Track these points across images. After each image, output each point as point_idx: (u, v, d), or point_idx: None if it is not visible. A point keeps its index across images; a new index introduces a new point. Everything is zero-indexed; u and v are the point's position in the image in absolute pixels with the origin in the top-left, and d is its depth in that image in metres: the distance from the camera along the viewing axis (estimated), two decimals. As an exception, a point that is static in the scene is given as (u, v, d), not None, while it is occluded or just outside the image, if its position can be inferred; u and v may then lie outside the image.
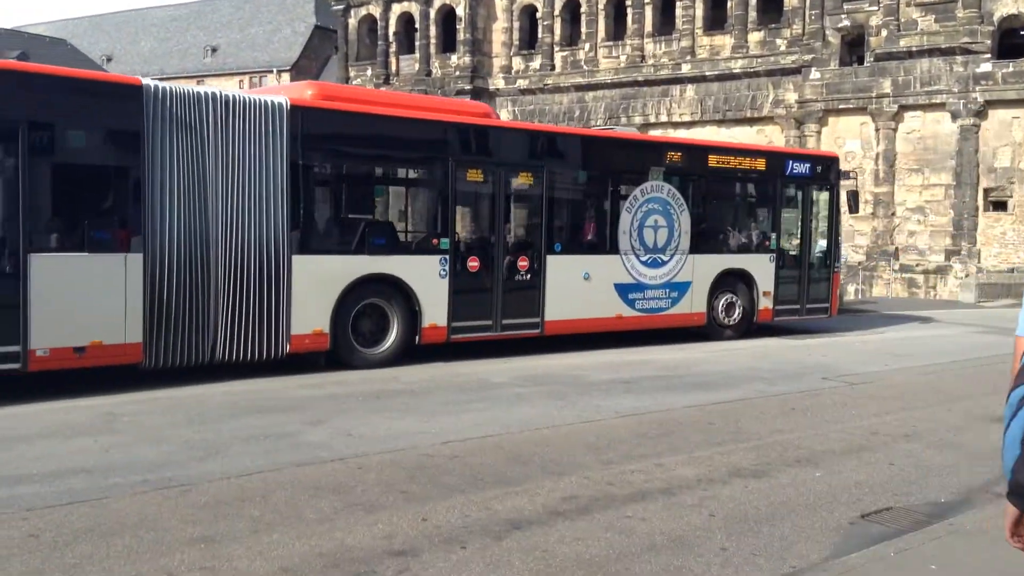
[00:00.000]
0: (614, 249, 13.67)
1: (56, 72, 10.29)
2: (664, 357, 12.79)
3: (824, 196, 16.51)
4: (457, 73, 37.74)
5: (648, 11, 34.68)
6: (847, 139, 30.40)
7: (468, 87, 36.57)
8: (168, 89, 9.62)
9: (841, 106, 30.42)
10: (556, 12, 36.56)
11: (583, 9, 35.90)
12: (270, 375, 10.31)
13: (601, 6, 35.58)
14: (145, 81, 9.66)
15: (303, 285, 10.53)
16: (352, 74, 40.93)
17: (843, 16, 30.19)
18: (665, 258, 14.20)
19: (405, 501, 5.75)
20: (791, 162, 16.12)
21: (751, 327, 15.48)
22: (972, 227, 28.62)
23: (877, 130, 29.79)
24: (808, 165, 16.32)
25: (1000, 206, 28.51)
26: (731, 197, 16.19)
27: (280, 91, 11.72)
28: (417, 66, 38.82)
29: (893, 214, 29.73)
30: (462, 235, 12.56)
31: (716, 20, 33.93)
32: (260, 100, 10.28)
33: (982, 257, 28.46)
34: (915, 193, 29.51)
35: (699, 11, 33.70)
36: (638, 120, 34.23)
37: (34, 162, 8.76)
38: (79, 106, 9.29)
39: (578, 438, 7.66)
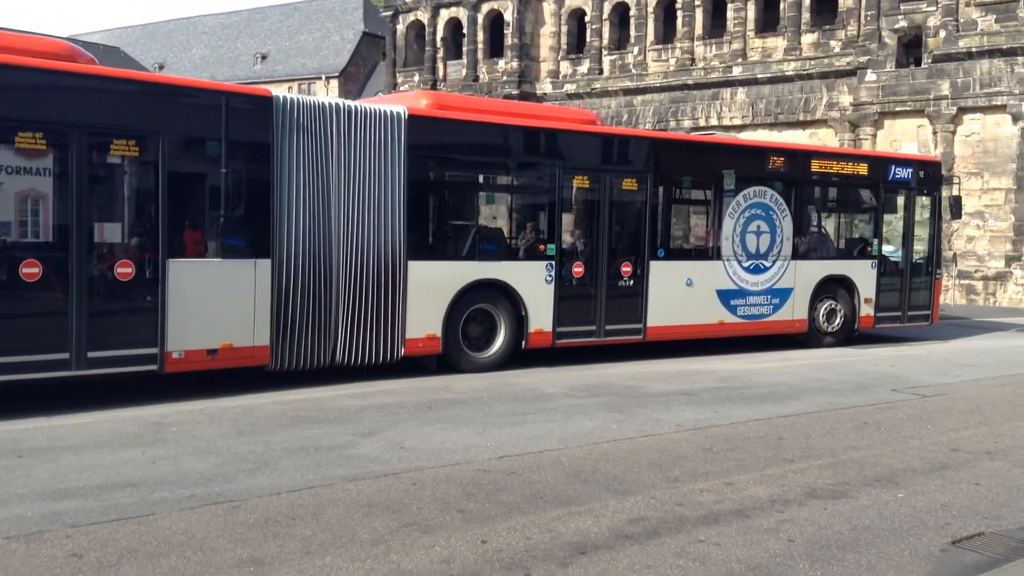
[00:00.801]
0: (716, 255, 13.72)
1: (192, 84, 11.15)
2: (723, 367, 12.37)
3: (925, 201, 16.33)
4: (504, 78, 37.53)
5: (698, 13, 34.14)
6: (903, 142, 29.56)
7: (515, 92, 36.32)
8: (296, 100, 10.02)
9: (897, 108, 29.60)
10: (605, 16, 36.17)
11: (632, 12, 35.47)
12: (319, 384, 10.10)
13: (650, 9, 35.12)
14: (275, 92, 10.08)
15: (417, 290, 10.84)
16: (400, 80, 40.93)
17: (900, 17, 29.40)
18: (767, 264, 14.15)
19: (463, 521, 5.45)
20: (893, 167, 15.94)
21: (852, 334, 15.31)
22: (1034, 233, 27.66)
23: (935, 133, 28.93)
24: (910, 170, 16.07)
25: (1065, 211, 27.50)
26: (832, 202, 16.08)
27: (394, 100, 12.00)
28: (464, 71, 38.70)
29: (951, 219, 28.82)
30: (568, 241, 12.60)
31: (768, 22, 33.28)
32: (380, 110, 10.63)
33: (1047, 263, 27.49)
34: (974, 197, 28.58)
35: (751, 13, 33.07)
36: (687, 124, 33.70)
37: (172, 172, 9.14)
38: (214, 117, 9.57)
39: (641, 454, 7.30)
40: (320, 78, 56.87)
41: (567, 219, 12.61)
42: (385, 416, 8.61)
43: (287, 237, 9.84)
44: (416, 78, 40.22)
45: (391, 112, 10.68)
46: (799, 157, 15.08)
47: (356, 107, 10.55)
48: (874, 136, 30.07)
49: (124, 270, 8.94)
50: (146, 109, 9.18)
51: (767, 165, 14.38)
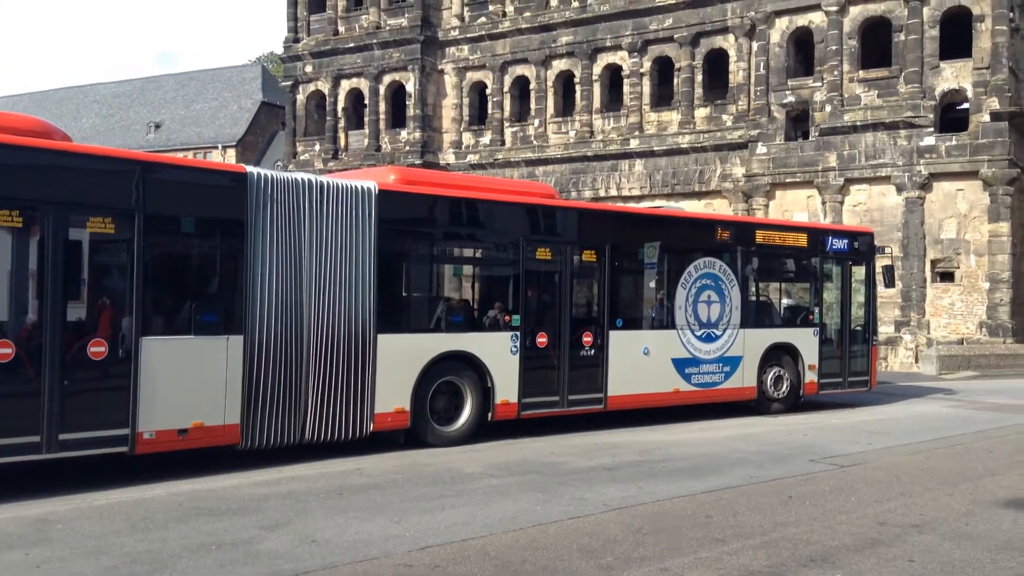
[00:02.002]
0: (671, 324, 13.98)
1: (169, 161, 11.31)
2: (642, 438, 12.20)
3: (860, 271, 17.01)
4: (407, 148, 37.51)
5: (596, 88, 34.98)
6: (795, 212, 30.59)
7: (418, 161, 36.30)
8: (270, 176, 10.03)
9: (788, 180, 30.69)
10: (506, 89, 36.68)
11: (532, 86, 36.09)
12: (218, 472, 9.46)
13: (550, 83, 35.81)
14: (249, 168, 9.94)
15: (387, 363, 10.82)
16: (300, 149, 40.45)
17: (788, 92, 30.70)
18: (718, 332, 14.49)
19: (388, 627, 5.00)
20: (830, 238, 16.63)
21: (798, 400, 15.66)
22: (920, 298, 28.80)
23: (824, 203, 30.06)
24: (846, 240, 16.84)
25: (947, 277, 28.78)
26: (776, 272, 16.62)
27: (363, 175, 11.97)
28: (367, 141, 38.54)
29: (844, 286, 29.79)
30: (531, 312, 12.57)
31: (663, 97, 34.32)
32: (351, 185, 10.73)
33: (931, 328, 28.60)
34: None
35: (646, 88, 34.07)
36: (588, 194, 34.21)
37: (147, 248, 9.09)
38: (189, 193, 9.66)
39: (569, 538, 6.96)
40: (217, 147, 55.86)
41: (531, 290, 12.67)
42: (292, 505, 8.06)
43: (259, 313, 9.77)
44: (317, 147, 39.84)
45: (362, 187, 10.77)
46: (745, 229, 15.80)
47: (328, 183, 10.56)
48: (766, 206, 31.03)
49: (97, 349, 8.77)
50: (122, 186, 9.09)
51: (716, 236, 14.92)
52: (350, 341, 10.46)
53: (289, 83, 40.68)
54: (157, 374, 9.04)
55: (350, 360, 10.47)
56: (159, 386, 9.05)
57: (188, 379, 9.35)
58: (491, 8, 36.81)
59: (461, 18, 37.61)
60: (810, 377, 15.72)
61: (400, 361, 10.98)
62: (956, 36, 28.12)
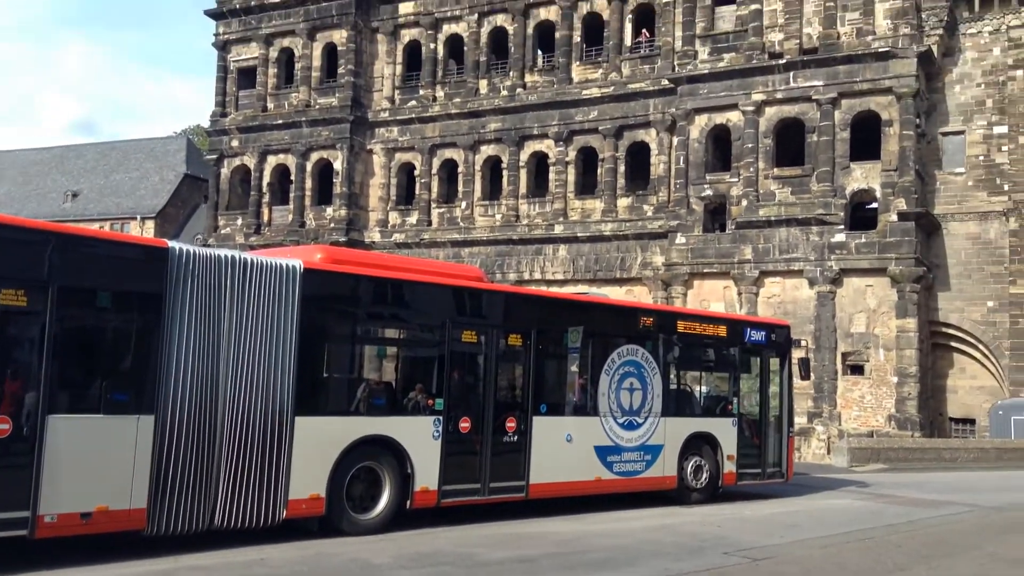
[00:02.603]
0: (594, 411, 13.86)
1: (86, 233, 10.88)
2: (560, 528, 12.04)
3: (777, 362, 17.20)
4: (332, 225, 37.38)
5: (523, 174, 35.60)
6: (712, 302, 31.25)
7: (343, 239, 36.17)
8: (191, 252, 9.79)
9: (706, 270, 31.42)
10: (434, 171, 37.05)
11: (461, 169, 36.55)
12: (115, 559, 8.96)
13: (478, 167, 36.32)
14: (170, 244, 9.66)
15: (304, 447, 10.43)
16: (222, 223, 39.95)
17: (706, 186, 31.66)
18: (640, 420, 14.44)
19: None
20: (748, 329, 16.87)
21: (717, 491, 15.62)
22: (832, 390, 29.50)
23: (740, 294, 30.80)
24: (764, 332, 17.09)
25: (858, 370, 29.58)
26: (696, 361, 16.69)
27: (288, 253, 11.70)
28: (291, 217, 38.31)
29: (758, 375, 30.36)
30: (455, 395, 12.30)
31: (587, 185, 35.09)
32: (276, 263, 10.52)
33: (843, 420, 29.23)
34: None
35: (571, 176, 34.81)
36: (512, 277, 34.47)
37: (60, 323, 8.81)
38: (107, 267, 9.42)
39: (479, 636, 6.75)
40: (136, 218, 54.78)
41: (455, 373, 12.47)
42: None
43: (173, 392, 9.44)
44: (239, 222, 39.42)
45: (286, 265, 10.56)
46: (668, 317, 16.02)
47: (251, 260, 10.31)
48: (685, 295, 31.64)
49: (1, 427, 8.35)
50: (37, 258, 8.81)
51: (639, 324, 15.00)
52: (266, 423, 10.12)
53: (214, 156, 40.43)
54: (62, 454, 8.66)
55: (265, 443, 10.12)
56: (64, 467, 8.66)
57: (94, 460, 8.96)
58: (422, 92, 37.40)
59: (392, 100, 38.10)
60: (729, 467, 15.79)
61: (317, 445, 10.62)
62: (866, 139, 29.55)
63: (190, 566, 8.91)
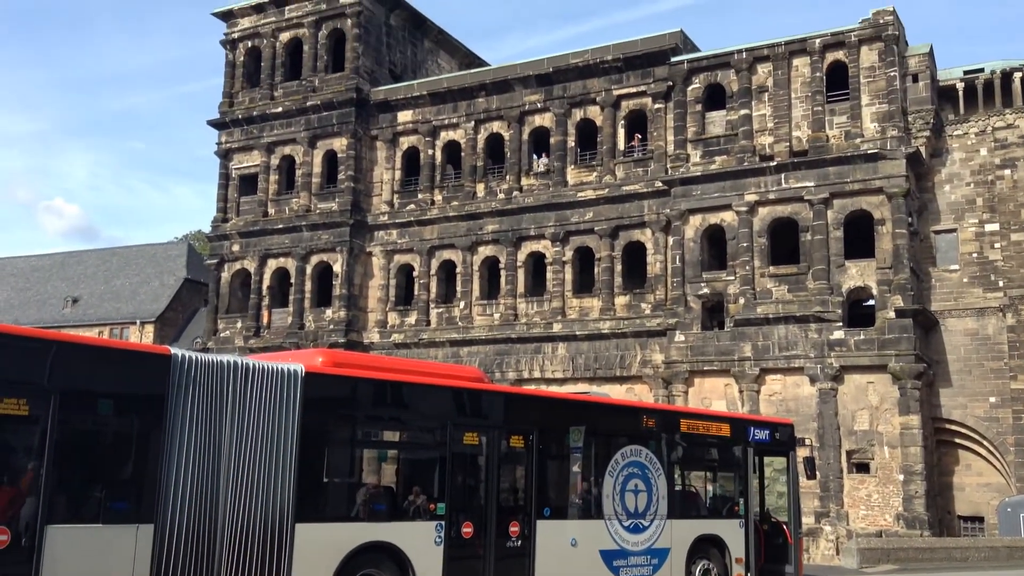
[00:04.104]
0: (599, 513, 13.62)
1: (89, 342, 11.04)
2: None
3: (782, 461, 17.13)
4: (331, 327, 37.47)
5: (520, 274, 35.90)
6: (713, 399, 31.11)
7: (342, 340, 36.20)
8: (193, 358, 9.70)
9: (706, 368, 31.37)
10: (432, 272, 37.38)
11: (459, 270, 36.87)
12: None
13: (476, 268, 36.64)
14: (173, 350, 9.68)
15: (304, 555, 10.31)
16: (221, 326, 40.03)
17: (703, 284, 31.89)
18: (646, 523, 14.17)
19: None
20: (752, 428, 16.74)
21: None
22: (838, 488, 29.10)
23: (741, 391, 30.69)
24: (768, 431, 16.95)
25: (863, 468, 29.24)
26: (701, 461, 16.51)
27: (290, 357, 11.75)
28: (290, 319, 38.43)
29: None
30: (457, 499, 12.13)
31: (584, 284, 35.34)
32: (277, 368, 10.40)
33: (850, 519, 28.73)
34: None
35: (568, 275, 35.09)
36: (512, 375, 34.37)
37: (60, 431, 8.76)
38: (109, 374, 9.46)
39: None
40: (135, 323, 54.87)
41: (457, 476, 12.33)
42: None
43: (172, 499, 9.39)
44: (239, 325, 39.51)
45: (288, 370, 10.63)
46: (671, 417, 15.83)
47: (253, 365, 10.32)
48: (686, 393, 31.51)
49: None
50: (39, 367, 8.86)
51: (642, 424, 14.87)
52: (267, 529, 10.00)
53: (215, 261, 40.79)
54: (60, 565, 8.55)
55: (266, 550, 9.98)
56: None
57: (93, 570, 8.84)
58: (420, 196, 38.03)
59: (391, 204, 38.69)
60: (737, 571, 15.44)
61: (318, 552, 10.45)
62: (860, 236, 29.92)
63: None
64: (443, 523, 11.75)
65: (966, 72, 31.96)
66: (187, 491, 9.47)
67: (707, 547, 15.18)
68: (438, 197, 37.88)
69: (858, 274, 29.71)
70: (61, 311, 58.29)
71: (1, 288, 63.32)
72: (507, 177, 36.61)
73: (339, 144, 38.97)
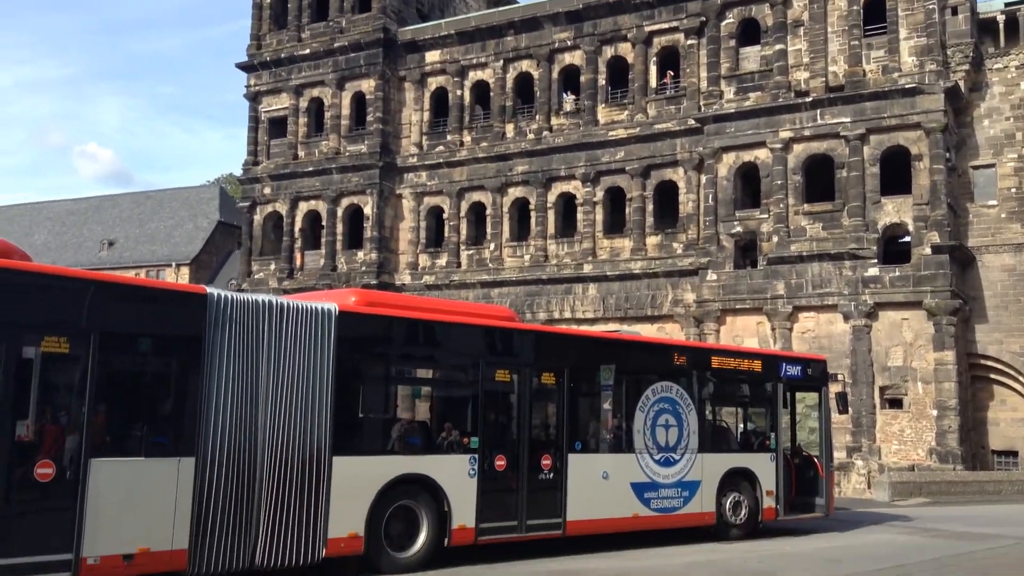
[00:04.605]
0: (630, 448, 13.88)
1: (126, 281, 11.43)
2: (598, 565, 11.99)
3: (814, 397, 17.27)
4: (363, 269, 37.73)
5: (551, 215, 35.79)
6: (745, 337, 31.06)
7: (374, 282, 36.47)
8: (229, 297, 10.00)
9: (738, 306, 31.29)
10: (462, 214, 37.38)
11: (488, 212, 36.83)
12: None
13: (506, 209, 36.58)
14: (209, 289, 9.88)
15: (342, 486, 10.57)
16: (255, 268, 40.48)
17: (736, 223, 31.64)
18: (676, 457, 14.42)
19: None
20: (784, 364, 16.79)
21: (757, 526, 15.49)
22: (871, 424, 29.11)
23: (773, 329, 30.61)
24: (800, 367, 16.98)
25: (896, 404, 29.21)
26: (732, 397, 16.71)
27: (323, 297, 11.98)
28: (323, 261, 38.73)
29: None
30: (490, 434, 12.40)
31: (615, 224, 35.18)
32: (312, 307, 10.73)
33: (883, 454, 28.80)
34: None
35: (599, 216, 34.93)
36: (543, 316, 34.49)
37: (101, 369, 8.97)
38: (147, 314, 9.66)
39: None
40: (171, 265, 55.65)
41: (490, 412, 12.59)
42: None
43: (213, 434, 9.58)
44: (272, 267, 39.92)
45: (322, 309, 10.77)
46: (702, 354, 16.00)
47: (288, 304, 10.49)
48: (717, 331, 31.48)
49: (44, 471, 8.55)
50: (79, 306, 9.05)
51: (674, 361, 15.03)
52: (305, 463, 10.24)
53: (247, 204, 41.06)
54: (104, 497, 8.79)
55: (304, 483, 10.23)
56: (106, 509, 8.80)
57: (136, 502, 9.09)
58: (449, 138, 37.86)
59: (420, 146, 38.58)
60: (768, 503, 15.62)
61: (355, 484, 10.72)
62: (896, 172, 29.46)
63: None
64: (476, 456, 12.00)
65: (1007, 4, 31.01)
66: (227, 426, 9.68)
67: (738, 480, 15.37)
68: (467, 138, 37.71)
69: (894, 211, 29.32)
70: (98, 254, 59.21)
71: (39, 231, 64.34)
72: (537, 117, 36.31)
73: (367, 86, 38.79)
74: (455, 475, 11.75)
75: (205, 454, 9.51)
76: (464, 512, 11.74)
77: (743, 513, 15.29)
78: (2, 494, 8.21)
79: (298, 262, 39.57)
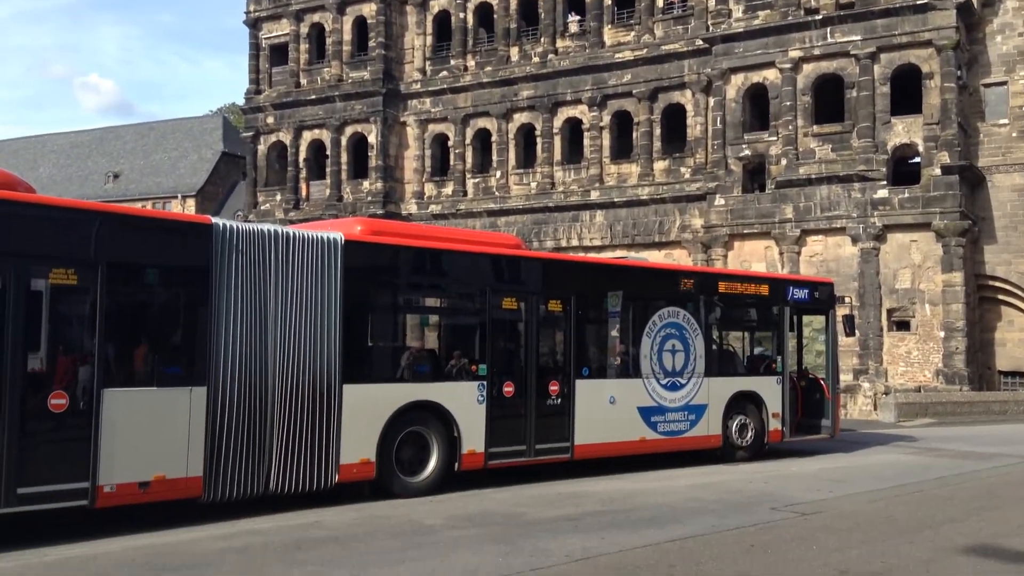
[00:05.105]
0: (636, 373, 13.97)
1: (133, 212, 11.43)
2: (606, 487, 12.13)
3: (821, 320, 17.25)
4: (369, 198, 37.58)
5: (557, 141, 35.43)
6: (753, 262, 31.00)
7: (380, 211, 36.36)
8: (235, 227, 9.97)
9: (746, 231, 31.14)
10: (468, 141, 37.03)
11: (494, 138, 36.47)
12: (175, 526, 9.24)
13: (511, 136, 36.21)
14: (214, 220, 9.86)
15: (352, 413, 10.70)
16: (261, 199, 40.36)
17: (744, 146, 31.29)
18: (683, 381, 14.52)
19: None
20: (791, 288, 16.72)
21: (763, 448, 15.68)
22: (878, 346, 29.20)
23: (781, 254, 30.51)
24: (806, 291, 16.94)
25: (904, 326, 29.25)
26: (739, 321, 16.82)
27: (328, 226, 11.89)
28: (328, 191, 38.56)
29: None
30: (498, 361, 12.51)
31: (622, 150, 34.84)
32: (318, 236, 10.69)
33: (889, 376, 28.95)
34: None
35: (606, 141, 34.57)
36: (550, 244, 34.44)
37: (110, 300, 9.01)
38: (153, 244, 9.67)
39: (532, 591, 6.88)
40: (176, 197, 55.50)
41: (497, 339, 12.68)
42: (249, 559, 7.89)
43: (223, 364, 9.65)
44: (278, 197, 39.79)
45: (328, 238, 10.74)
46: (708, 279, 15.98)
47: (293, 234, 10.50)
48: (725, 256, 31.41)
49: (58, 401, 8.63)
50: (85, 237, 9.02)
51: (680, 286, 15.02)
52: (315, 391, 10.37)
53: (250, 134, 40.75)
54: (118, 426, 8.90)
55: (315, 410, 10.36)
56: (120, 438, 8.91)
57: (150, 431, 9.21)
58: (453, 63, 37.28)
59: (423, 72, 38.03)
60: (774, 425, 15.78)
61: (366, 411, 10.87)
62: (907, 92, 28.97)
63: (248, 530, 9.15)
64: (485, 383, 12.13)
65: (1024, -86, 30.02)
66: (237, 356, 9.76)
67: (744, 403, 15.50)
68: (471, 63, 37.13)
69: (904, 131, 28.92)
70: (103, 186, 59.04)
71: (43, 165, 64.08)
72: (542, 39, 35.67)
73: (368, 9, 38.07)
74: (464, 402, 11.89)
75: (216, 383, 9.61)
76: (473, 437, 11.90)
77: (749, 435, 15.45)
78: (18, 425, 8.33)
79: (304, 192, 39.42)
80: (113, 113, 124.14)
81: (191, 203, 54.84)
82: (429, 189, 37.93)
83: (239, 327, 9.80)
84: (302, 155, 39.55)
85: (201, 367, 9.59)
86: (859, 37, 29.04)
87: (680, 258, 32.74)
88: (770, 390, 15.84)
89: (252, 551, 8.19)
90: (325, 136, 38.79)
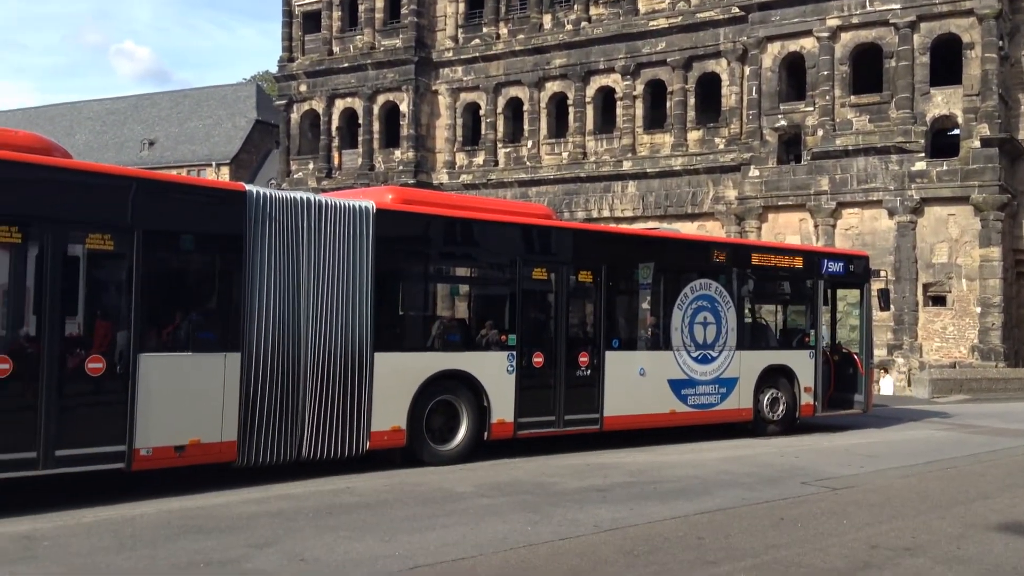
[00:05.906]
0: (667, 345, 13.95)
1: (168, 179, 11.57)
2: (635, 459, 12.16)
3: (856, 294, 17.18)
4: (401, 167, 37.59)
5: (589, 110, 35.14)
6: (787, 235, 30.66)
7: (412, 181, 36.34)
8: (268, 195, 10.07)
9: (780, 203, 30.78)
10: (499, 110, 36.84)
11: (526, 108, 36.24)
12: (209, 490, 9.40)
13: (543, 105, 35.97)
14: (248, 187, 9.98)
15: (383, 382, 10.81)
16: (294, 167, 40.52)
17: (780, 116, 30.85)
18: (714, 354, 14.48)
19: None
20: (826, 261, 16.60)
21: (794, 423, 15.61)
22: (913, 322, 28.85)
23: (816, 226, 30.15)
24: (841, 264, 16.80)
25: (939, 301, 28.85)
26: (772, 294, 16.68)
27: (359, 195, 11.97)
28: (360, 160, 38.62)
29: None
30: (528, 331, 12.53)
31: (655, 119, 34.48)
32: (349, 204, 10.79)
33: (924, 351, 28.62)
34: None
35: (639, 111, 34.24)
36: (581, 215, 34.27)
37: (146, 266, 9.10)
38: (188, 211, 9.73)
39: (560, 559, 6.91)
40: (211, 165, 55.93)
41: (527, 309, 12.69)
42: (282, 523, 7.99)
43: (257, 330, 9.77)
44: (310, 166, 39.91)
45: (360, 207, 10.82)
46: (741, 251, 15.86)
47: (326, 202, 10.58)
48: (759, 229, 31.08)
49: (95, 365, 8.77)
50: (121, 204, 9.14)
51: (712, 258, 14.97)
52: (347, 359, 10.47)
53: (283, 102, 40.83)
54: (154, 391, 9.05)
55: (347, 378, 10.47)
56: (156, 403, 9.06)
57: (185, 396, 9.36)
58: (485, 30, 37.02)
59: (455, 40, 37.81)
60: (806, 399, 15.67)
61: (397, 380, 10.96)
62: (946, 63, 28.36)
63: (280, 495, 9.28)
64: (514, 353, 12.16)
65: None
66: (270, 322, 9.87)
67: (776, 377, 15.40)
68: (503, 31, 36.85)
69: (943, 102, 28.34)
70: (139, 154, 59.60)
71: (79, 131, 64.78)
72: (575, 7, 35.28)
73: (401, -24, 37.84)
74: (494, 371, 11.94)
75: (250, 349, 9.72)
76: (503, 407, 11.96)
77: (780, 409, 15.36)
78: (56, 388, 8.48)
79: (336, 161, 39.50)
80: (149, 80, 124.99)
81: (225, 171, 55.24)
82: (460, 159, 37.85)
83: (272, 294, 9.90)
84: (335, 124, 39.58)
85: (235, 333, 9.71)
86: (899, 5, 28.41)
87: (713, 230, 32.46)
88: (802, 364, 15.71)
89: (284, 515, 8.31)
90: (357, 105, 38.78)
